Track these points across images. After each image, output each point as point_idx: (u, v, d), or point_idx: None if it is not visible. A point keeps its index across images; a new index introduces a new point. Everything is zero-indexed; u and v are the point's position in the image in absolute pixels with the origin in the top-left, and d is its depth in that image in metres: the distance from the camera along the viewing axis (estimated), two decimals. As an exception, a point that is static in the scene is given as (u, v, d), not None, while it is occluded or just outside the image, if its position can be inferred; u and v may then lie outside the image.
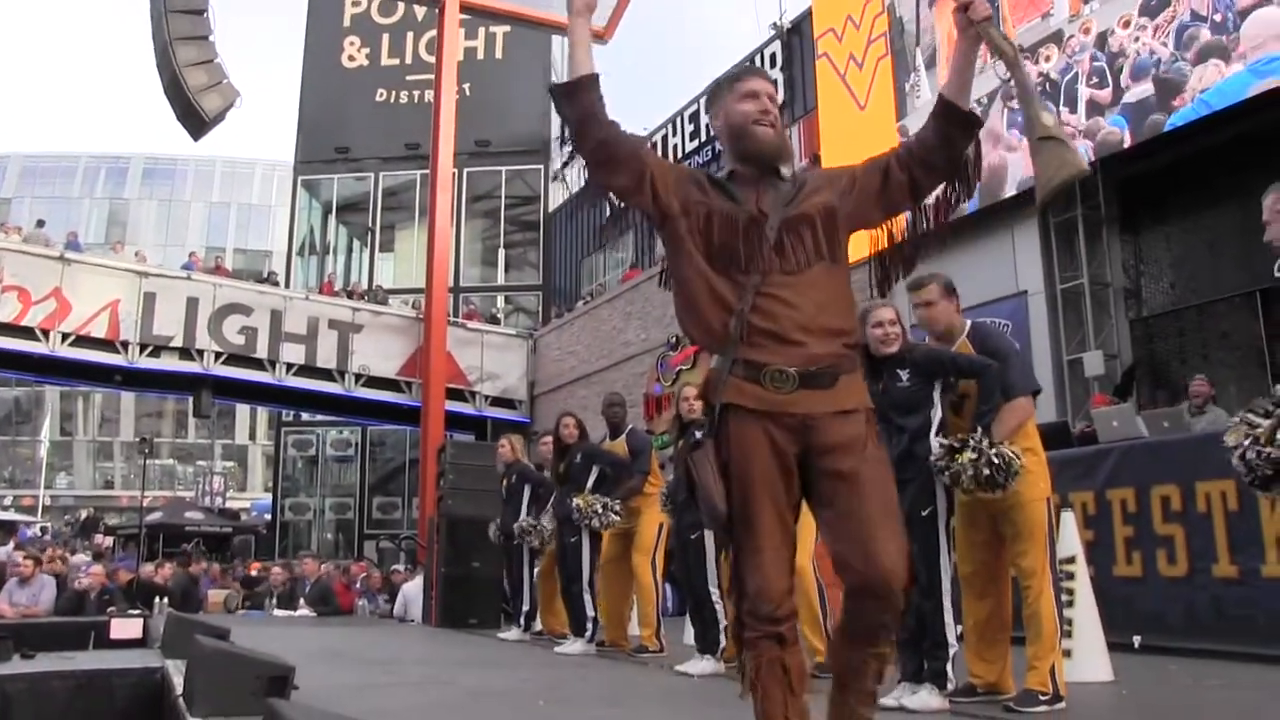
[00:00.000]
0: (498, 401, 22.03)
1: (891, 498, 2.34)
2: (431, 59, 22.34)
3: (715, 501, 2.32)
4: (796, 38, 16.58)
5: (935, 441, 4.09)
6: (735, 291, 2.38)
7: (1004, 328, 11.57)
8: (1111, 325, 11.40)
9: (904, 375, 4.20)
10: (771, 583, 2.28)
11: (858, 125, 13.83)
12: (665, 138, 20.12)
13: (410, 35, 27.21)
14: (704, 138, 18.84)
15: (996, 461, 3.88)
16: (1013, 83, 2.60)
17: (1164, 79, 10.08)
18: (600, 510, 6.72)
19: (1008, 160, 11.54)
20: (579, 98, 2.47)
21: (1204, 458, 5.45)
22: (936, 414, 4.18)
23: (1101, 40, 10.70)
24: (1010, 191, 11.41)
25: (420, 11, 25.07)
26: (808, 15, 15.98)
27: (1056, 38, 11.34)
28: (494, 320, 24.25)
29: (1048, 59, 11.35)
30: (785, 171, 2.54)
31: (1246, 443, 2.88)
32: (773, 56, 17.06)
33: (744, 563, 2.31)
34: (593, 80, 2.48)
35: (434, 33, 21.52)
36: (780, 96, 15.85)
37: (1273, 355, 10.10)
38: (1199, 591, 5.67)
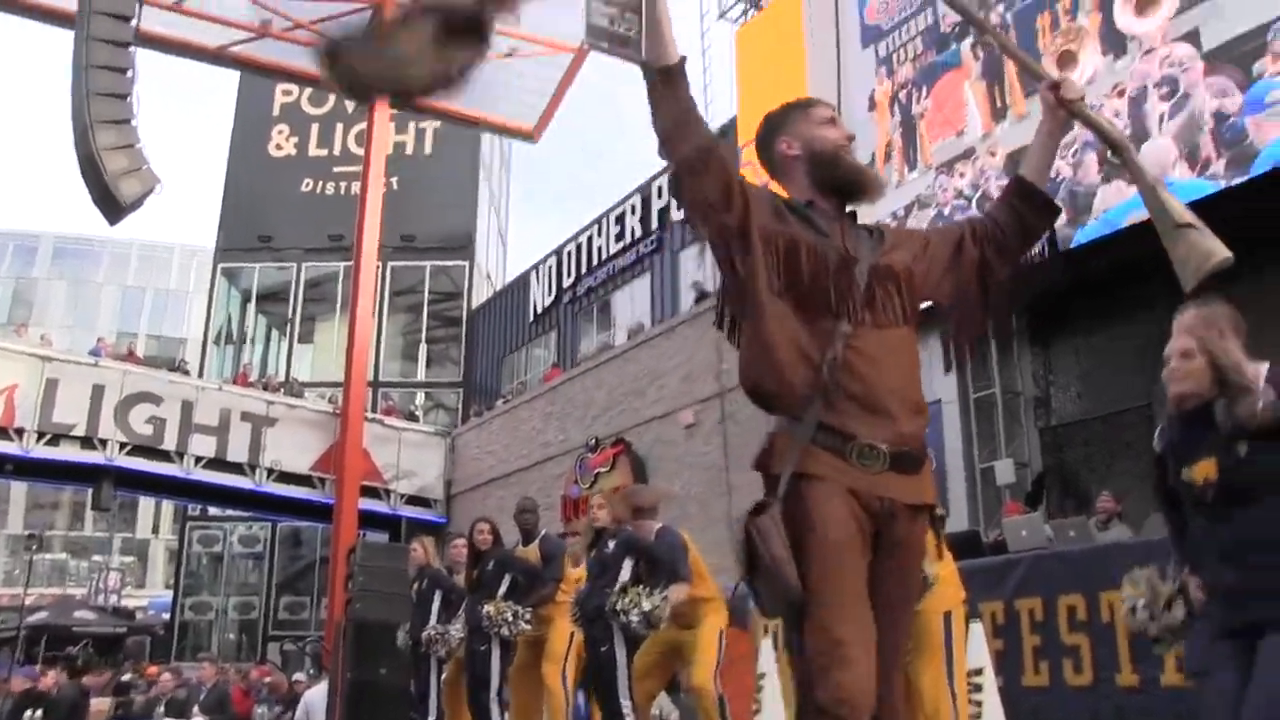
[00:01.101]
0: (413, 500, 21.63)
1: (910, 619, 2.14)
2: (360, 151, 22.41)
3: (788, 575, 1.94)
4: (723, 142, 16.95)
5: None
6: (820, 340, 2.08)
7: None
8: (1023, 434, 11.64)
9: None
10: (861, 682, 1.93)
11: (778, 233, 14.09)
12: (590, 239, 20.33)
13: (340, 126, 27.33)
14: (629, 240, 19.04)
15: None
16: (1124, 167, 2.32)
17: (1072, 196, 10.49)
18: (511, 619, 6.58)
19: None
20: (681, 87, 2.13)
21: (1108, 568, 5.53)
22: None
23: (1011, 161, 11.12)
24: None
25: (351, 104, 25.26)
26: (733, 123, 16.30)
27: (968, 154, 11.75)
28: (412, 417, 23.96)
29: (962, 175, 11.76)
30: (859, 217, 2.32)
31: (1141, 603, 2.87)
32: (697, 163, 17.40)
33: (824, 653, 1.93)
34: (685, 67, 2.15)
35: (364, 125, 21.64)
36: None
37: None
38: (1103, 701, 5.70)
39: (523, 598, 6.73)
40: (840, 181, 2.27)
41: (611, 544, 5.85)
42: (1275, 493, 2.43)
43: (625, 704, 5.57)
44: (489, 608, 6.66)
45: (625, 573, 5.64)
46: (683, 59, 2.13)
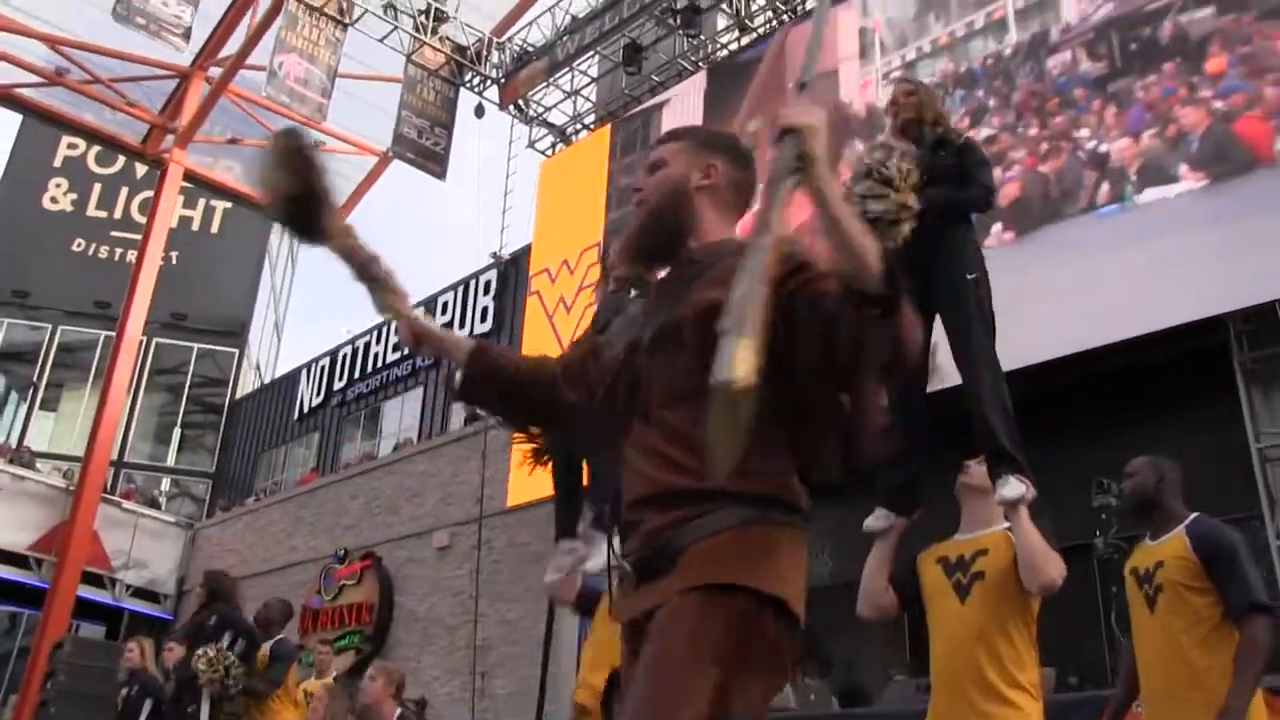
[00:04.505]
0: (141, 593, 20.09)
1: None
2: (143, 219, 21.42)
3: None
4: (513, 269, 17.09)
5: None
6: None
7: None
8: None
9: None
10: None
11: (559, 366, 14.18)
12: (368, 344, 19.87)
13: (125, 190, 26.19)
14: (406, 350, 18.69)
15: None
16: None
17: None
18: (226, 669, 6.00)
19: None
20: (515, 395, 1.90)
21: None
22: None
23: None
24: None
25: (141, 169, 24.23)
26: (526, 251, 16.30)
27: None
28: (154, 503, 22.47)
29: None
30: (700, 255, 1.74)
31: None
32: (487, 284, 17.51)
33: None
34: (483, 352, 1.95)
35: (150, 193, 20.76)
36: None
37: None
38: None
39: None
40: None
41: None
42: None
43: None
44: (210, 650, 6.05)
45: None
46: (482, 346, 1.96)
